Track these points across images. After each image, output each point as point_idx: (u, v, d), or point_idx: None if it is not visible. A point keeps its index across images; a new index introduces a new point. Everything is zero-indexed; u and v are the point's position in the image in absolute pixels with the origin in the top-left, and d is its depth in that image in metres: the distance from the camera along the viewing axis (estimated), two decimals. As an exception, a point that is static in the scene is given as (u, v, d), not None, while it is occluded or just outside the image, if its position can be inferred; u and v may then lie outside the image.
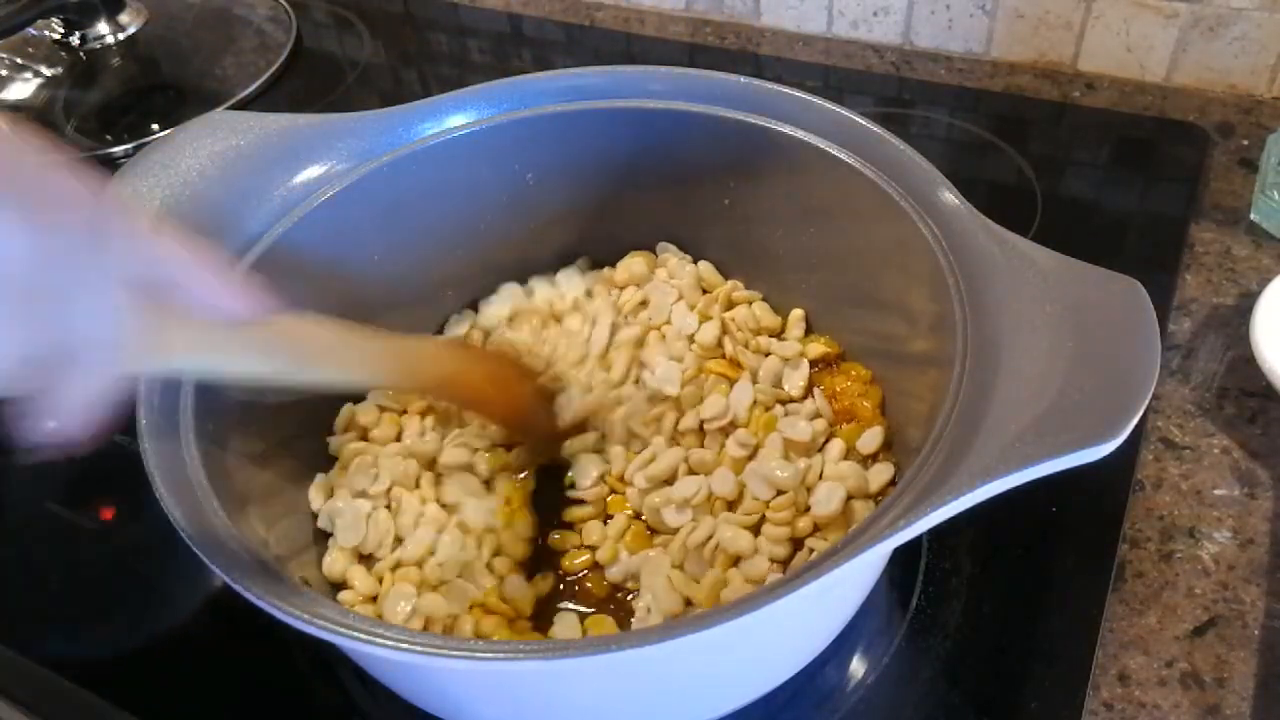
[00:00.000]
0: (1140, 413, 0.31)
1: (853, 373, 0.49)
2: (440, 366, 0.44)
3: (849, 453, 0.45)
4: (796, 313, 0.51)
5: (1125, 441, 0.31)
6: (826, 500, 0.43)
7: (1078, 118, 0.71)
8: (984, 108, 0.72)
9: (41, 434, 0.26)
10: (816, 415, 0.47)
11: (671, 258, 0.54)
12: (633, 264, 0.53)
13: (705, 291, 0.53)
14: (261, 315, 0.30)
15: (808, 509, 0.43)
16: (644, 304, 0.52)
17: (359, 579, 0.42)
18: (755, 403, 0.48)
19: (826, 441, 0.46)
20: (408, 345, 0.45)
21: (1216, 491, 0.48)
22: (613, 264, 0.55)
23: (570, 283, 0.54)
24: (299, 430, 0.47)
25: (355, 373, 0.39)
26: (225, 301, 0.29)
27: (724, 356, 0.50)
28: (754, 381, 0.49)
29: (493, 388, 0.46)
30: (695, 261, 0.54)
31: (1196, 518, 0.47)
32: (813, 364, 0.50)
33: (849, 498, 0.43)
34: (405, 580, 0.42)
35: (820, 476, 0.45)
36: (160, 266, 0.28)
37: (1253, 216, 0.61)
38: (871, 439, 0.45)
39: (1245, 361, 0.52)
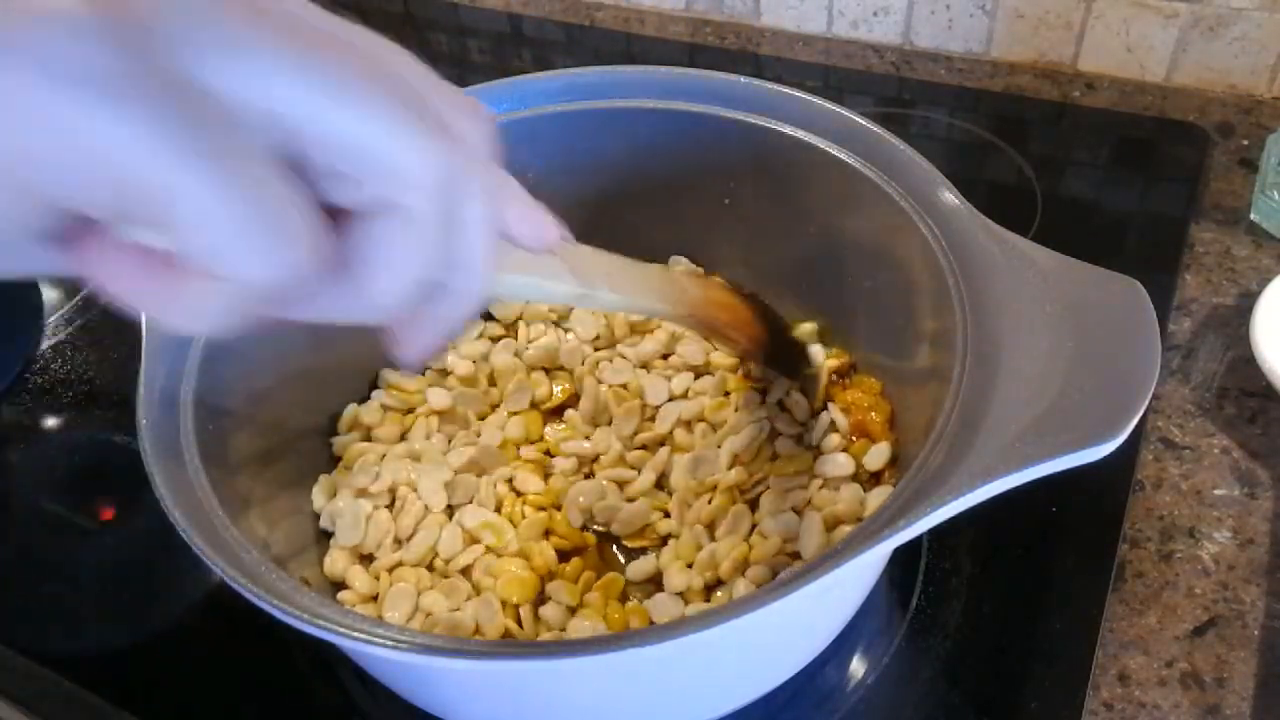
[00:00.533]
0: (1140, 413, 0.31)
1: (864, 385, 0.48)
2: (694, 291, 0.44)
3: (857, 470, 0.45)
4: (808, 327, 0.51)
5: (1125, 441, 0.31)
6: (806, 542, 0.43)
7: (1078, 118, 0.71)
8: (984, 108, 0.72)
9: (396, 358, 0.26)
10: (832, 427, 0.47)
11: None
12: None
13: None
14: (563, 245, 0.30)
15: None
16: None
17: (359, 579, 0.42)
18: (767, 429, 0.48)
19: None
20: (667, 273, 0.45)
21: (1216, 491, 0.48)
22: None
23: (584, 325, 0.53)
24: (300, 431, 0.47)
25: (635, 297, 0.39)
26: (541, 232, 0.29)
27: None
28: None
29: (734, 311, 0.46)
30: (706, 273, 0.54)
31: (1196, 518, 0.47)
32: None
33: (839, 523, 0.43)
34: (404, 580, 0.42)
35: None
36: (503, 190, 0.27)
37: (1253, 216, 0.61)
38: (878, 456, 0.45)
39: (1245, 361, 0.52)
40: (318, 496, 0.45)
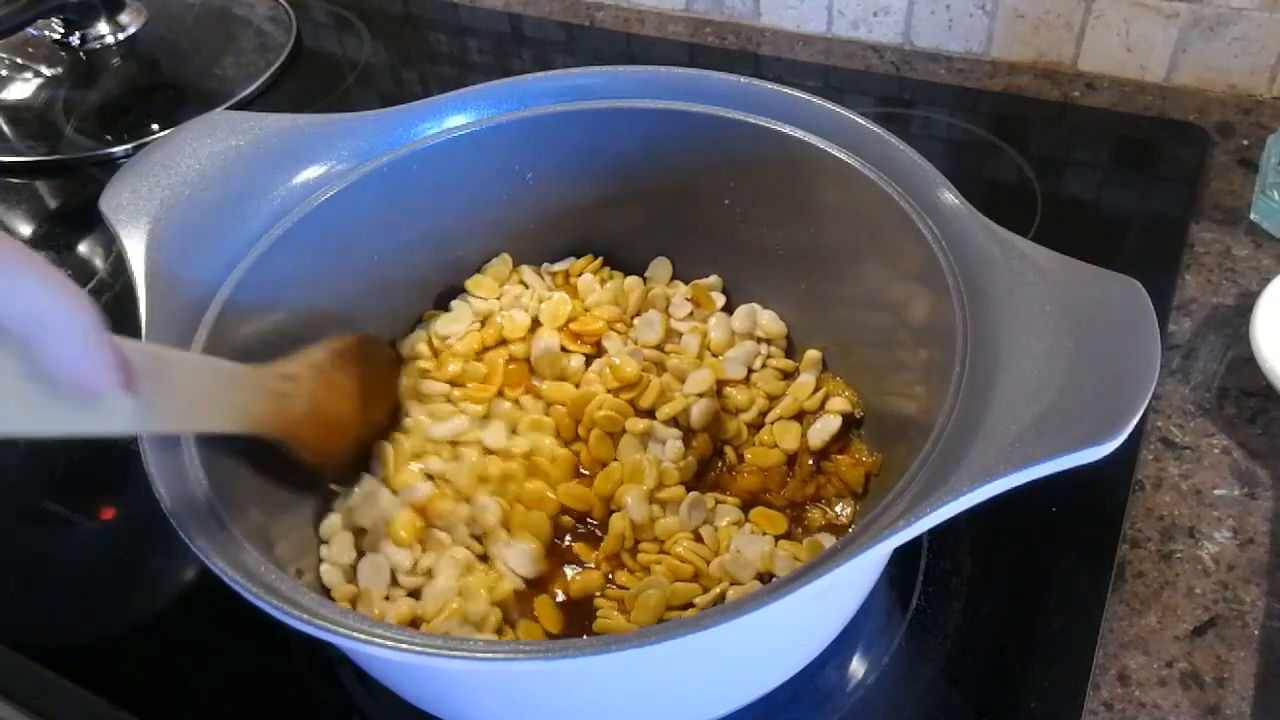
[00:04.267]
0: (1140, 413, 0.31)
1: (857, 454, 0.47)
2: (301, 405, 0.41)
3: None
4: (813, 354, 0.51)
5: (1125, 441, 0.31)
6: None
7: (1078, 118, 0.71)
8: (984, 108, 0.72)
9: None
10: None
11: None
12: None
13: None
14: (118, 385, 0.27)
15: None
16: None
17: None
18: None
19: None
20: (272, 381, 0.40)
21: (1216, 491, 0.48)
22: (616, 264, 0.55)
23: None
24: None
25: (201, 424, 0.36)
26: (87, 372, 0.25)
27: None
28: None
29: (334, 430, 0.43)
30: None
31: (1196, 518, 0.47)
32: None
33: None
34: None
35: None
36: (23, 320, 0.24)
37: (1253, 216, 0.61)
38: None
39: (1245, 361, 0.52)
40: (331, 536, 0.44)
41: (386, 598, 0.43)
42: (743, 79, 0.48)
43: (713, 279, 0.54)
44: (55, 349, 0.24)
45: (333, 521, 0.44)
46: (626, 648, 0.29)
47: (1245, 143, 0.67)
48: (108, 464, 0.54)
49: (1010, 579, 0.45)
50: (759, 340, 0.52)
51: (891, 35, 0.78)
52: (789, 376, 0.50)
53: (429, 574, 0.43)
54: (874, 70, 0.77)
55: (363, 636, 0.30)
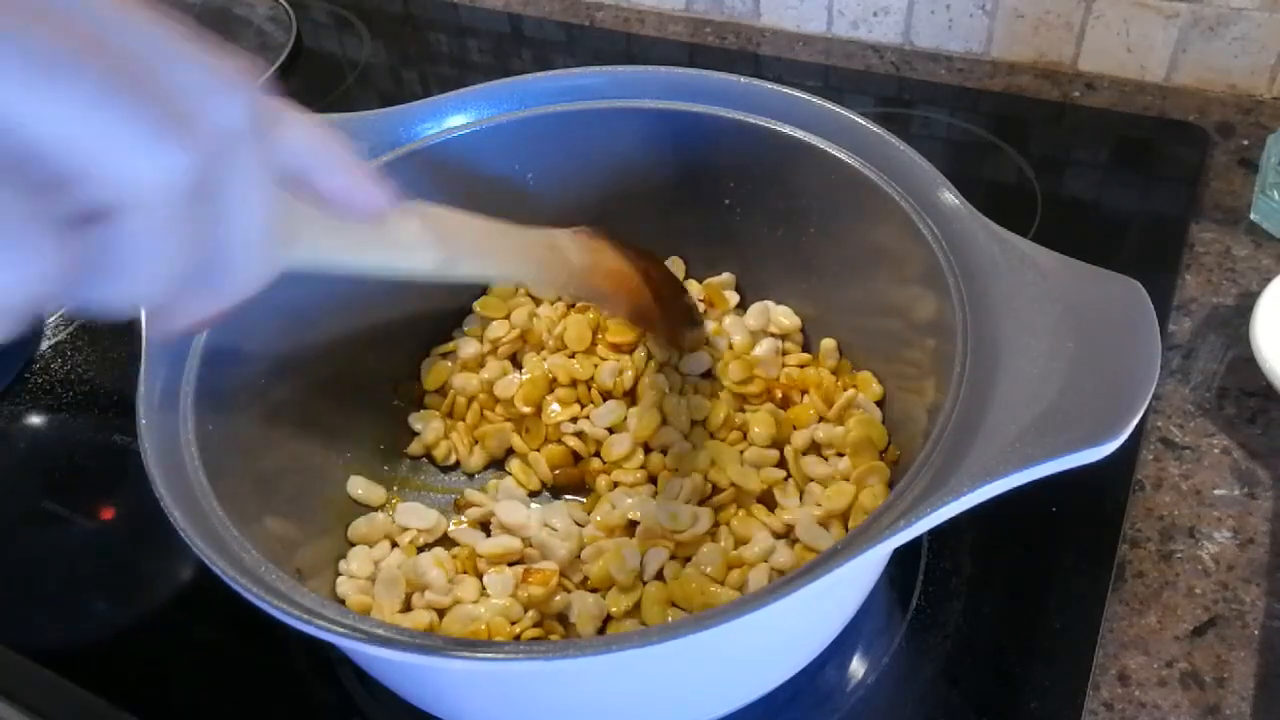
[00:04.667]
0: (1140, 413, 0.31)
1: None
2: (576, 259, 0.42)
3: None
4: (829, 343, 0.51)
5: (1125, 441, 0.31)
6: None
7: (1078, 118, 0.71)
8: (984, 108, 0.72)
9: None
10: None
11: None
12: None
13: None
14: (392, 212, 0.28)
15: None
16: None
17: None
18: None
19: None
20: (544, 239, 0.43)
21: (1216, 491, 0.48)
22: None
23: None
24: (301, 428, 0.47)
25: (505, 265, 0.37)
26: (363, 198, 0.27)
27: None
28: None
29: (625, 282, 0.45)
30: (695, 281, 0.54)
31: (1196, 518, 0.47)
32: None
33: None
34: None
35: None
36: (299, 157, 0.26)
37: (1253, 216, 0.61)
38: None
39: (1245, 361, 0.52)
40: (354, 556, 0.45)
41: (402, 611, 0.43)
42: (743, 79, 0.48)
43: (725, 277, 0.54)
44: (325, 182, 0.26)
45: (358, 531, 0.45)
46: (626, 648, 0.29)
47: (1245, 143, 0.67)
48: (107, 464, 0.54)
49: (1010, 579, 0.45)
50: (775, 336, 0.52)
51: (891, 35, 0.78)
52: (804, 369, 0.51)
53: (457, 600, 0.43)
54: (874, 70, 0.77)
55: (362, 636, 0.30)
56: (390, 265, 0.31)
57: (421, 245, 0.31)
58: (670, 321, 0.49)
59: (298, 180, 0.26)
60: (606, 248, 0.46)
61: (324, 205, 0.27)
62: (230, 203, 0.22)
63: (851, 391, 0.48)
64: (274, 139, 0.24)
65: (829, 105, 0.46)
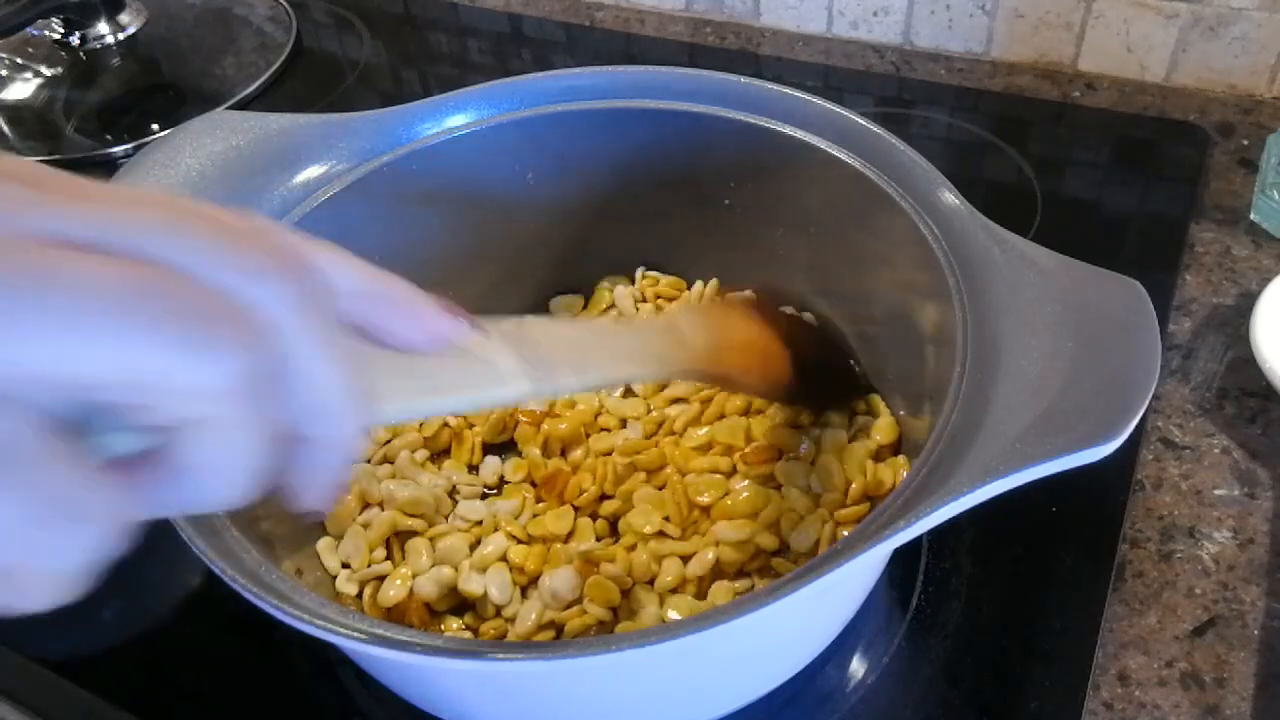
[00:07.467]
0: (1141, 413, 0.31)
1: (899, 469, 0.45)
2: (695, 338, 0.39)
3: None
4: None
5: (1125, 441, 0.31)
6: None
7: (1078, 118, 0.71)
8: (984, 108, 0.72)
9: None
10: None
11: None
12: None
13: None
14: (469, 338, 0.27)
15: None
16: None
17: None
18: None
19: None
20: (657, 326, 0.40)
21: (1216, 491, 0.48)
22: (613, 264, 0.55)
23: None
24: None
25: (612, 371, 0.34)
26: (433, 328, 0.26)
27: None
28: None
29: (747, 352, 0.42)
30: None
31: (1196, 518, 0.47)
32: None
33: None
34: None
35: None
36: (354, 302, 0.24)
37: (1253, 216, 0.61)
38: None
39: (1245, 361, 0.52)
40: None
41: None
42: (743, 79, 0.48)
43: (747, 295, 0.52)
44: (387, 323, 0.25)
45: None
46: (626, 648, 0.29)
47: (1245, 143, 0.67)
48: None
49: (1010, 579, 0.45)
50: None
51: (891, 35, 0.78)
52: None
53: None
54: (874, 70, 0.77)
55: (362, 636, 0.30)
56: (481, 401, 0.29)
57: (510, 374, 0.28)
58: (821, 394, 0.45)
59: (360, 328, 0.25)
60: (737, 317, 0.43)
61: (391, 344, 0.25)
62: (301, 377, 0.21)
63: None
64: (324, 295, 0.22)
65: (829, 105, 0.46)
